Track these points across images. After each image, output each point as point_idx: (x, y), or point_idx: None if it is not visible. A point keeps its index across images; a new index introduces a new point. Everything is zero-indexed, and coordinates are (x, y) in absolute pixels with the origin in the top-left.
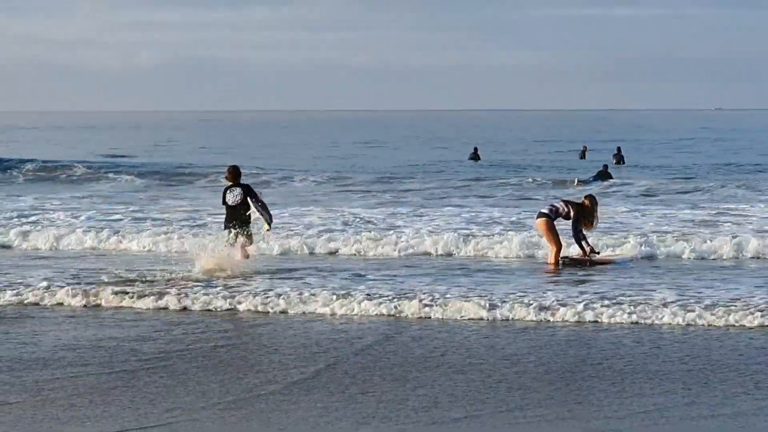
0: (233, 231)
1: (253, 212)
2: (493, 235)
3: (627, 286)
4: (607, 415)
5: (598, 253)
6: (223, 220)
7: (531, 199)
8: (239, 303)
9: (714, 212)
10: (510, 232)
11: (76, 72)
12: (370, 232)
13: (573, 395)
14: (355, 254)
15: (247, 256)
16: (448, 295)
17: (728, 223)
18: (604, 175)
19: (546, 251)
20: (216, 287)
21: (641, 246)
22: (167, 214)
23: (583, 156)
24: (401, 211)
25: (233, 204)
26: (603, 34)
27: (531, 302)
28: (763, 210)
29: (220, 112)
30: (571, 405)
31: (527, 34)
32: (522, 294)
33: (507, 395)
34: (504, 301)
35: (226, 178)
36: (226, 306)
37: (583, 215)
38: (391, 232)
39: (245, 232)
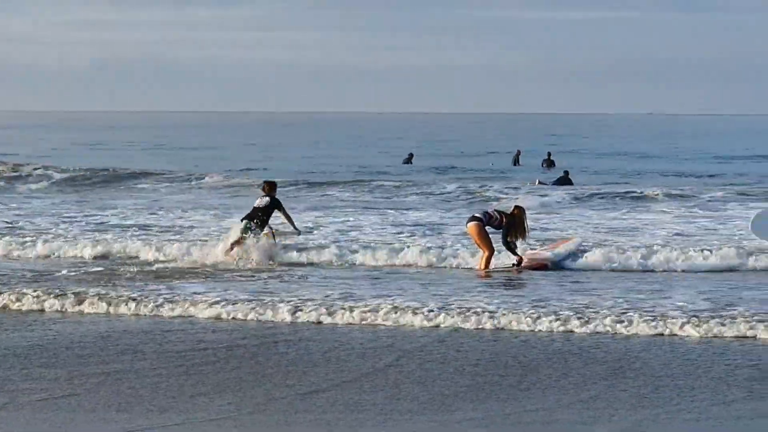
0: (247, 225)
1: (281, 221)
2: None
3: (552, 292)
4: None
5: (520, 262)
6: (246, 214)
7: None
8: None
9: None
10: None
11: (10, 69)
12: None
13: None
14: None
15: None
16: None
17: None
18: (564, 180)
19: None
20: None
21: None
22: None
23: (516, 161)
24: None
25: (257, 206)
26: (548, 37)
27: (460, 307)
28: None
29: (161, 112)
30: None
31: (489, 36)
32: (458, 299)
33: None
34: (443, 308)
35: (263, 189)
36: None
37: (514, 225)
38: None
39: (256, 232)
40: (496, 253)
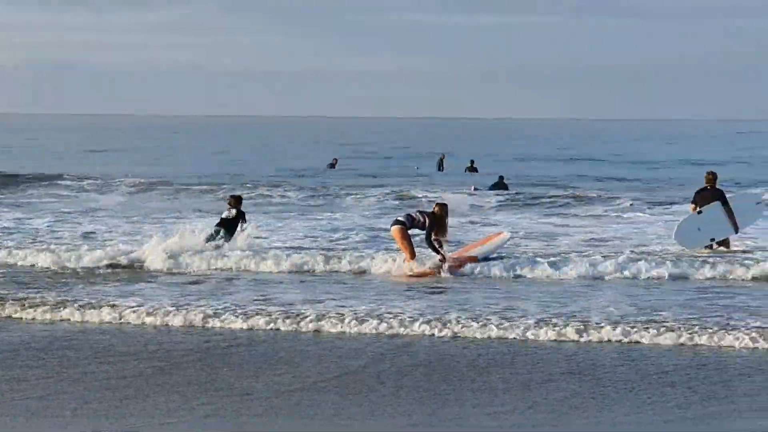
0: (216, 233)
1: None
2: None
3: (475, 296)
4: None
5: (443, 261)
6: (217, 223)
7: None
8: None
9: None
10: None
11: None
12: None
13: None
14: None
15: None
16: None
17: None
18: (500, 185)
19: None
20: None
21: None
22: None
23: (440, 166)
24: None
25: (224, 217)
26: (469, 42)
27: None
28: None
29: (79, 115)
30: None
31: (397, 40)
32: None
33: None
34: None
35: (229, 203)
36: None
37: (436, 224)
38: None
39: (227, 237)
40: (418, 256)
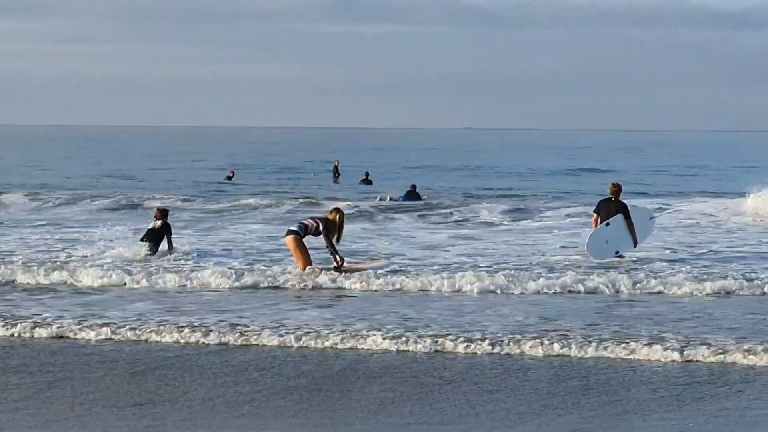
0: (145, 244)
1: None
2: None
3: (367, 308)
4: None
5: (342, 264)
6: (144, 235)
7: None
8: None
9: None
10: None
11: None
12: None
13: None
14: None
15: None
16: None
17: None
18: (412, 195)
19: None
20: None
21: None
22: None
23: (336, 173)
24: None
25: (150, 228)
26: (354, 52)
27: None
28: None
29: None
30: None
31: (278, 49)
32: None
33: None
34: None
35: (156, 216)
36: None
37: (332, 229)
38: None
39: (153, 250)
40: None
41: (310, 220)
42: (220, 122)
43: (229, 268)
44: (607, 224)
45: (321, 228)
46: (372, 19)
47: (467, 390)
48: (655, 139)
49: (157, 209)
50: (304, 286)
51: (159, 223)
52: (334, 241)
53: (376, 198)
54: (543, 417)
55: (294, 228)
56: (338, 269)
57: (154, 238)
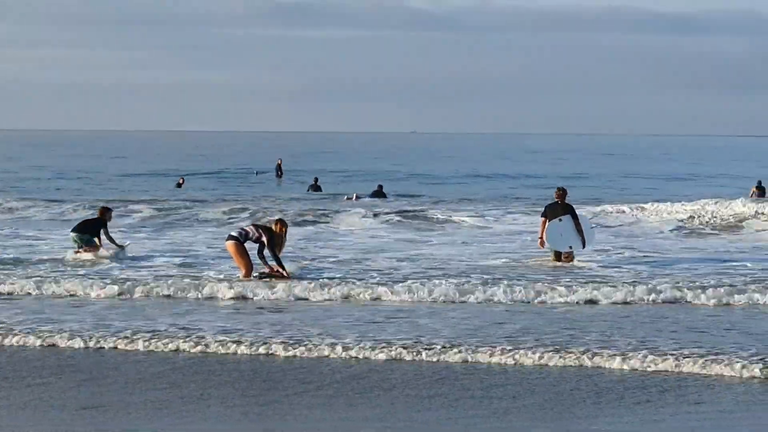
0: (77, 239)
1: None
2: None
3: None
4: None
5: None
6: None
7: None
8: None
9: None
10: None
11: None
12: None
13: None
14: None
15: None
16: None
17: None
18: (379, 194)
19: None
20: None
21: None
22: None
23: (279, 171)
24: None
25: (84, 221)
26: (298, 56)
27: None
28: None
29: None
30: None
31: (225, 54)
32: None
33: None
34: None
35: (99, 214)
36: None
37: (276, 241)
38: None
39: (91, 243)
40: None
41: (251, 227)
42: (158, 126)
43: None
44: (560, 219)
45: (264, 239)
46: (317, 23)
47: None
48: (603, 142)
49: (101, 208)
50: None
51: (95, 218)
52: (277, 249)
53: (344, 198)
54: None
55: (234, 234)
56: (269, 275)
57: (83, 230)
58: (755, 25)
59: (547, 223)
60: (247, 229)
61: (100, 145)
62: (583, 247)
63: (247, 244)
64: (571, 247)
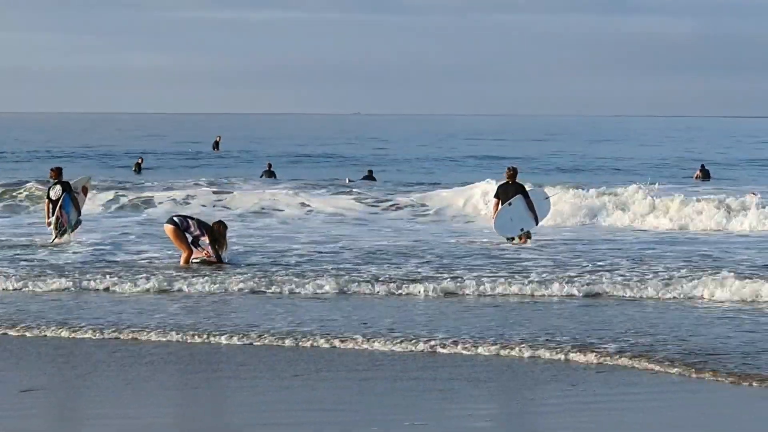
0: (58, 223)
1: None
2: None
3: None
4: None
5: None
6: (46, 212)
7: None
8: None
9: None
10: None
11: None
12: None
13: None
14: None
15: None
16: None
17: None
18: (369, 178)
19: None
20: None
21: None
22: None
23: (216, 146)
24: None
25: (55, 198)
26: (239, 38)
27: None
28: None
29: None
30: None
31: (164, 37)
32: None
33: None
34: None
35: (51, 177)
36: None
37: (215, 238)
38: None
39: (62, 228)
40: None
41: (194, 223)
42: (106, 109)
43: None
44: (510, 204)
45: (206, 237)
46: (257, 5)
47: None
48: (541, 123)
49: (51, 169)
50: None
51: (58, 188)
52: (219, 249)
53: (345, 180)
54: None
55: (175, 219)
56: (202, 260)
57: (57, 207)
58: (697, 6)
59: (499, 205)
60: (190, 222)
61: (36, 127)
62: (536, 223)
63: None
64: (522, 230)
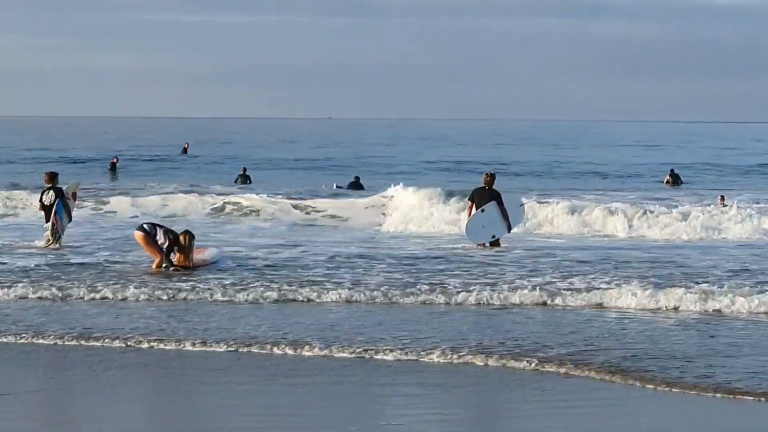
0: (53, 229)
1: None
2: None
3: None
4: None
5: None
6: (46, 216)
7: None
8: None
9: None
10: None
11: None
12: None
13: None
14: None
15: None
16: None
17: None
18: (356, 185)
19: None
20: None
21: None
22: None
23: (185, 151)
24: None
25: (48, 204)
26: (208, 41)
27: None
28: None
29: None
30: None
31: (132, 39)
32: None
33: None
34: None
35: (45, 181)
36: None
37: (180, 248)
38: None
39: (56, 234)
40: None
41: (162, 231)
42: (72, 112)
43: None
44: (483, 210)
45: (173, 245)
46: (226, 8)
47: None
48: (510, 127)
49: (46, 173)
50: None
51: (51, 194)
52: (183, 261)
53: (333, 185)
54: None
55: (145, 226)
56: (176, 266)
57: (52, 212)
58: (665, 11)
59: (473, 209)
60: (158, 230)
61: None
62: (509, 231)
63: None
64: (494, 236)
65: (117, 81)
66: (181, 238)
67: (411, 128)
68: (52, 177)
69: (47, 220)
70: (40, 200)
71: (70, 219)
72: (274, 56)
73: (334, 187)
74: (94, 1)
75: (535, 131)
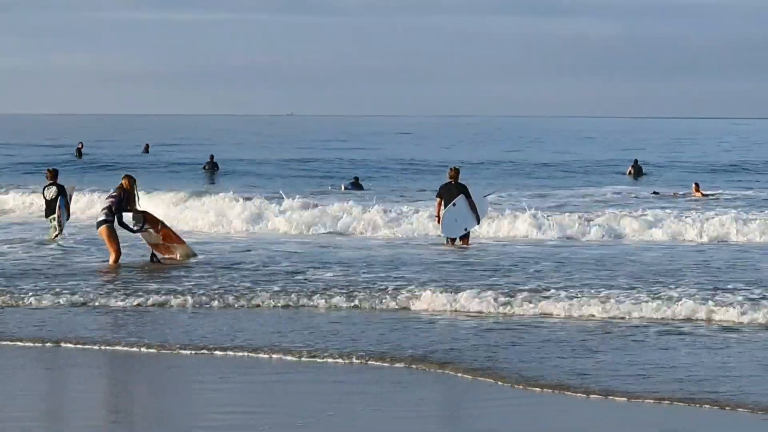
0: (52, 221)
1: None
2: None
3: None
4: None
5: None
6: (44, 211)
7: None
8: None
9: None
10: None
11: None
12: None
13: None
14: None
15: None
16: None
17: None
18: (356, 185)
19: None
20: None
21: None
22: None
23: (146, 150)
24: None
25: (50, 198)
26: (168, 39)
27: None
28: None
29: None
30: None
31: (87, 37)
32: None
33: None
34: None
35: (47, 177)
36: None
37: (125, 196)
38: None
39: (59, 227)
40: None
41: (109, 199)
42: (28, 110)
43: None
44: (454, 204)
45: (123, 201)
46: (181, 6)
47: None
48: (467, 124)
49: (47, 170)
50: None
51: (54, 190)
52: (131, 207)
53: (340, 186)
54: None
55: (103, 217)
56: (157, 260)
57: (53, 210)
58: (619, 9)
59: (442, 205)
60: (108, 203)
61: None
62: (478, 222)
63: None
64: (466, 229)
65: (71, 79)
66: (123, 182)
67: (372, 125)
68: (54, 174)
69: (47, 215)
70: (42, 194)
71: (67, 217)
72: (232, 54)
73: (342, 188)
74: (47, 2)
75: (488, 127)
